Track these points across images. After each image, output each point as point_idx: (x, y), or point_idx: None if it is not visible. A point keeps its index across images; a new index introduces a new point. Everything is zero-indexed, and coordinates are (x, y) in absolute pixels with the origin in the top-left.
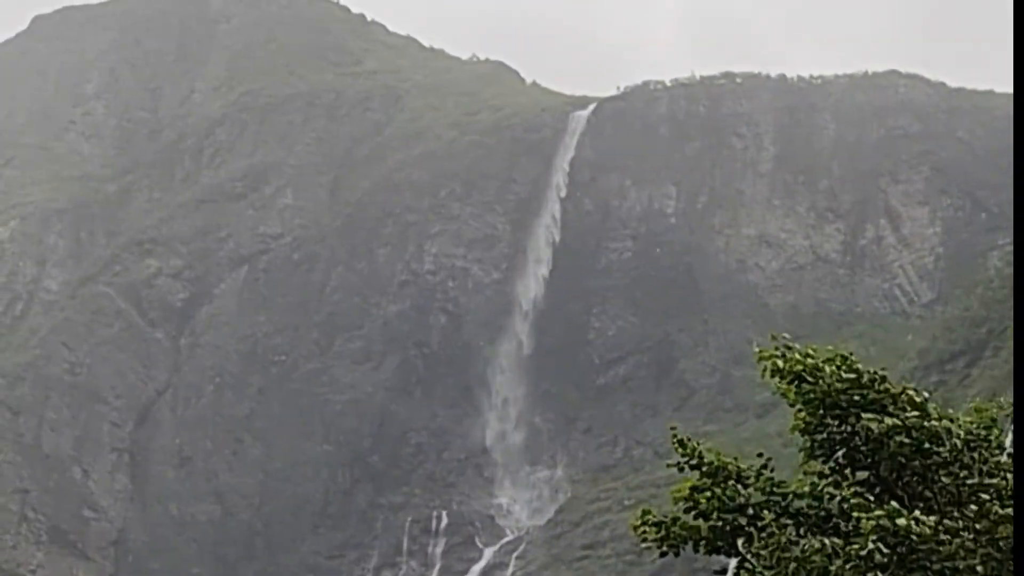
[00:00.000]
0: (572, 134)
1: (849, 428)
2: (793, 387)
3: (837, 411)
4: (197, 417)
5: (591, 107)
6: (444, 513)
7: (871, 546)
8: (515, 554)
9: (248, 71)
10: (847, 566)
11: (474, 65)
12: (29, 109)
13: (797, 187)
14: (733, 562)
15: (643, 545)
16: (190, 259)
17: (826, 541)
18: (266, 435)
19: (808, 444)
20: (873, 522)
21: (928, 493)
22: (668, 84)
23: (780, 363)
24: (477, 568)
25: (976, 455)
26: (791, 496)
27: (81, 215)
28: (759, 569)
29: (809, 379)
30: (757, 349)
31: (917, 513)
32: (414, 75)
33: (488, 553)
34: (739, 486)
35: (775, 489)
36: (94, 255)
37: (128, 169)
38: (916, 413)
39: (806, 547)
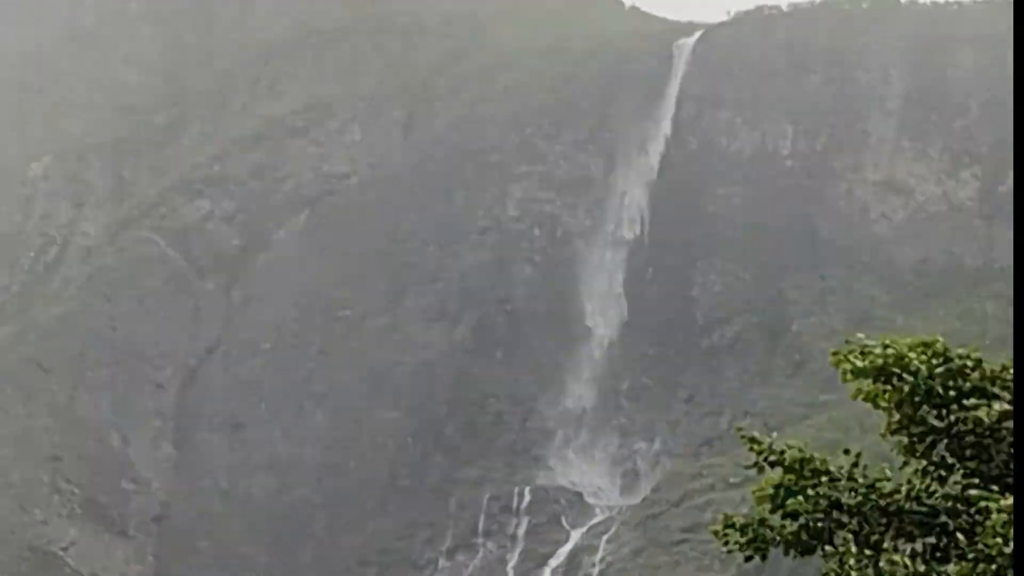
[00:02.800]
0: (676, 65)
1: (951, 419)
2: (880, 386)
3: (936, 400)
4: (251, 379)
5: (697, 35)
6: (527, 490)
7: (998, 542)
8: (605, 536)
9: None
10: (975, 568)
11: None
12: (65, 31)
13: (929, 127)
14: (829, 563)
15: (726, 548)
16: (245, 201)
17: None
18: (328, 400)
19: (906, 441)
20: (1005, 515)
21: None
22: (785, 9)
23: (859, 362)
24: (563, 551)
25: None
26: (890, 494)
27: (123, 151)
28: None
29: (897, 372)
30: (832, 352)
31: None
32: None
33: (576, 535)
34: (830, 483)
35: (870, 486)
36: (137, 196)
37: (176, 100)
38: None
39: (910, 551)
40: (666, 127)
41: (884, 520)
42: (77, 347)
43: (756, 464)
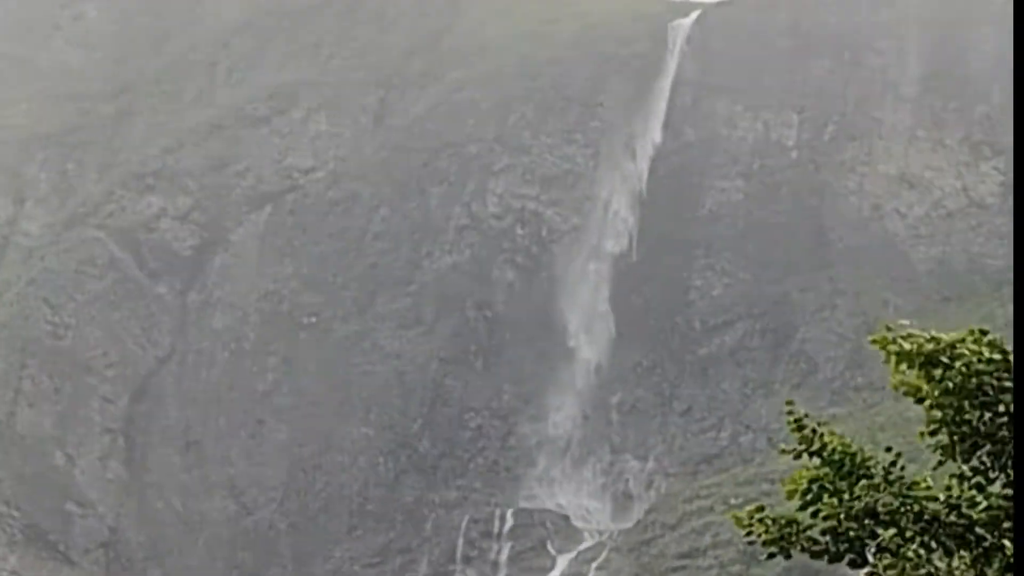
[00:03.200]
0: (672, 48)
1: (997, 420)
2: (925, 376)
3: (981, 398)
4: (208, 392)
5: (694, 15)
6: (509, 512)
7: None
8: (595, 563)
9: None
10: None
11: None
12: (6, 11)
13: (947, 115)
14: (861, 573)
15: (750, 539)
16: (201, 197)
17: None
18: (292, 415)
19: (947, 441)
20: None
21: None
22: None
23: (905, 344)
24: None
25: None
26: (926, 500)
27: (68, 142)
28: None
29: (945, 361)
30: (870, 337)
31: None
32: None
33: (562, 561)
34: (868, 485)
35: (907, 492)
36: (83, 192)
37: (126, 87)
38: None
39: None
40: (661, 116)
41: (919, 527)
42: (17, 357)
43: (795, 450)
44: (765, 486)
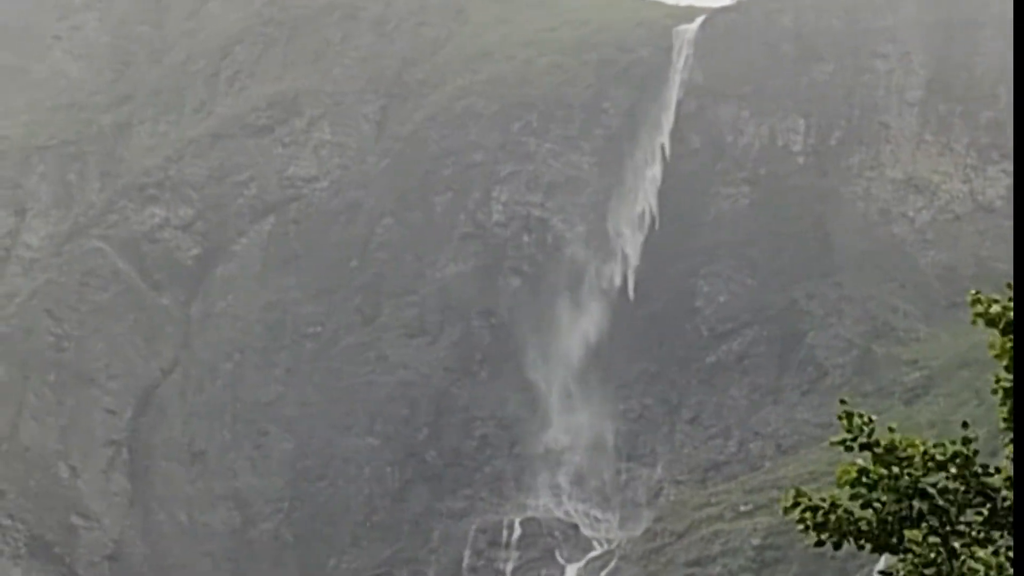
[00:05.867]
0: (676, 54)
1: None
2: (1007, 341)
3: None
4: (211, 403)
5: (699, 20)
6: (517, 521)
7: None
8: (604, 572)
9: None
10: None
11: None
12: (4, 22)
13: (954, 119)
14: (891, 560)
15: (799, 527)
16: (203, 208)
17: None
18: (296, 426)
19: (1005, 414)
20: None
21: None
22: None
23: (998, 307)
24: None
25: None
26: (981, 476)
27: (68, 153)
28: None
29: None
30: (969, 295)
31: None
32: None
33: (571, 571)
34: (929, 469)
35: (972, 474)
36: (85, 202)
37: (126, 97)
38: None
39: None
40: (668, 123)
41: (976, 502)
42: (20, 370)
43: (843, 441)
44: (774, 493)
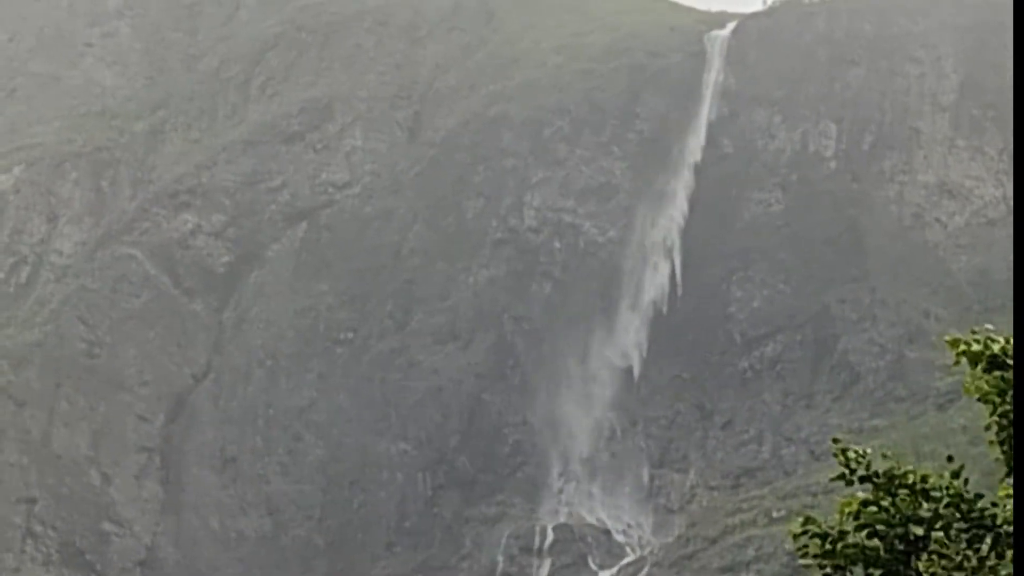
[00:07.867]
0: (708, 60)
1: None
2: (991, 380)
3: None
4: (244, 409)
5: (731, 26)
6: (549, 527)
7: None
8: None
9: None
10: None
11: None
12: (38, 30)
13: (986, 123)
14: None
15: (802, 562)
16: (235, 214)
17: None
18: (329, 431)
19: (1003, 449)
20: None
21: None
22: None
23: (975, 346)
24: None
25: None
26: (987, 508)
27: (101, 160)
28: None
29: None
30: (947, 338)
31: None
32: None
33: None
34: (921, 499)
35: (966, 502)
36: (117, 209)
37: (159, 104)
38: None
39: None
40: (702, 129)
41: (976, 533)
42: (52, 376)
43: (843, 476)
44: (807, 499)
